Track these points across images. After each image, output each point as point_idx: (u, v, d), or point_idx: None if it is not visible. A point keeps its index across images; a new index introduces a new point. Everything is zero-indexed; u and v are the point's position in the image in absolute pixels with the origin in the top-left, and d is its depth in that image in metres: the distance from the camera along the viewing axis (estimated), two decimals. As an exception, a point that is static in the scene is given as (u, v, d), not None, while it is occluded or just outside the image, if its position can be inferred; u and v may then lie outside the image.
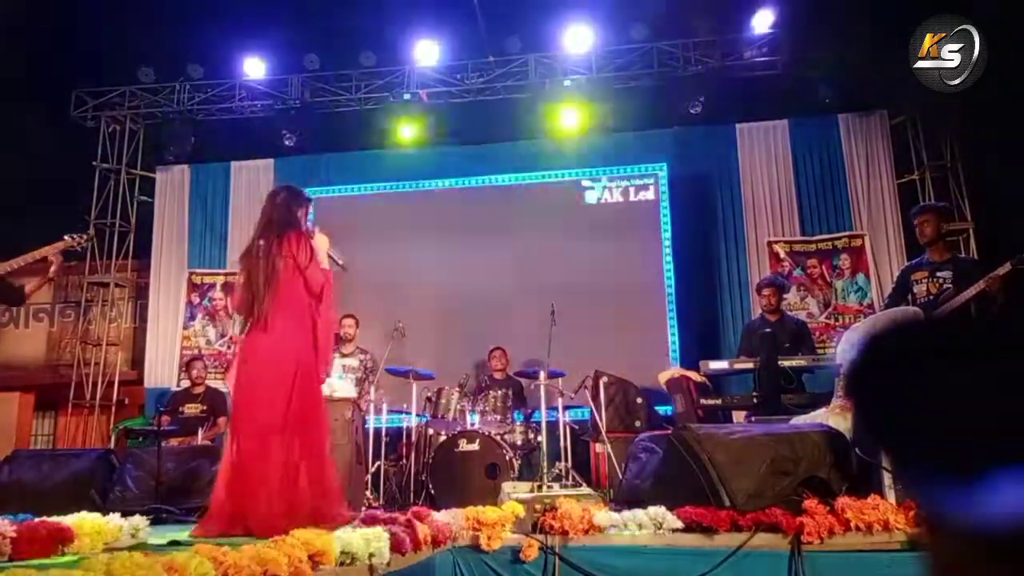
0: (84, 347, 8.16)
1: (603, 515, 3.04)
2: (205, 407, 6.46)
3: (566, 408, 5.71)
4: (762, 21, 7.36)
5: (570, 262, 7.46)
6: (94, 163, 8.18)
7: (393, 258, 7.64)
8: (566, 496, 3.25)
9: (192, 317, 7.96)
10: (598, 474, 5.50)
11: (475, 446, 5.12)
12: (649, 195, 7.49)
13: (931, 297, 4.47)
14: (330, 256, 3.62)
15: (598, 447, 5.49)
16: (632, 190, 7.55)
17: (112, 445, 6.40)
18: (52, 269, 4.20)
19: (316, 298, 3.39)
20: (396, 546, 2.41)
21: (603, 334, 7.22)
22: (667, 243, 7.34)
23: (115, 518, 2.72)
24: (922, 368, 0.48)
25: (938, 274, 4.50)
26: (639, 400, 5.66)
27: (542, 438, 5.27)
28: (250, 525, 2.89)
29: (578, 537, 2.97)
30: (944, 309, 4.32)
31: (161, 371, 7.84)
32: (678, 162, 7.60)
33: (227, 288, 7.99)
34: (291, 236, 3.33)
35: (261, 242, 3.32)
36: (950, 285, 4.42)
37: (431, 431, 5.55)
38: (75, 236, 4.43)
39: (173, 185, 8.32)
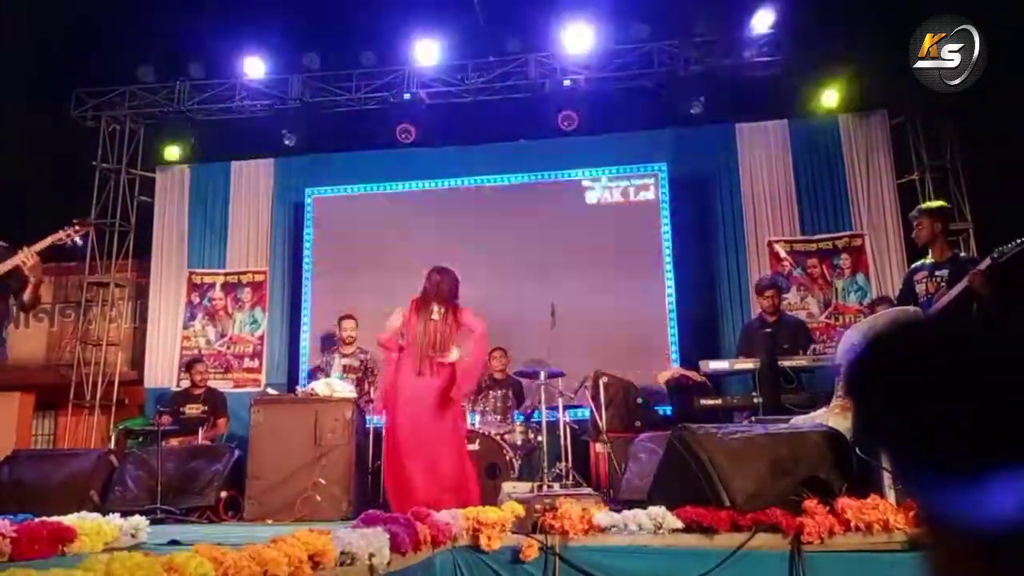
0: (84, 347, 8.15)
1: (603, 515, 3.04)
2: (206, 407, 6.46)
3: (566, 408, 5.71)
4: (762, 21, 7.35)
5: (570, 262, 7.46)
6: (94, 163, 8.17)
7: (393, 258, 7.64)
8: (566, 496, 3.25)
9: (192, 317, 7.96)
10: (598, 474, 5.49)
11: (475, 446, 5.13)
12: (649, 195, 7.48)
13: (929, 296, 4.47)
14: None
15: (598, 447, 5.48)
16: (632, 190, 7.54)
17: (112, 445, 6.40)
18: (28, 270, 4.00)
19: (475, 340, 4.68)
20: (396, 546, 2.41)
21: (603, 334, 7.22)
22: (667, 243, 7.33)
23: (115, 518, 2.72)
24: (922, 368, 0.48)
25: (936, 273, 4.49)
26: (639, 400, 5.66)
27: (542, 438, 5.27)
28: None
29: (578, 537, 2.96)
30: (934, 308, 4.32)
31: (161, 371, 7.84)
32: (678, 162, 7.59)
33: (227, 288, 7.99)
34: (462, 309, 4.60)
35: (441, 309, 4.51)
36: (946, 284, 4.42)
37: (431, 431, 5.55)
38: (68, 228, 4.27)
39: (173, 185, 8.31)
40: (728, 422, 5.01)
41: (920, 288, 4.55)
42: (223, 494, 5.08)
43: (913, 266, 4.96)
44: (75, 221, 4.40)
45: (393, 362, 4.60)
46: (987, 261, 4.07)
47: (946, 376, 0.46)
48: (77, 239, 4.41)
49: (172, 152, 8.33)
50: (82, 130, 8.18)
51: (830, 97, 7.42)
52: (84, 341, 8.17)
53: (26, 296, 4.11)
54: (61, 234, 4.30)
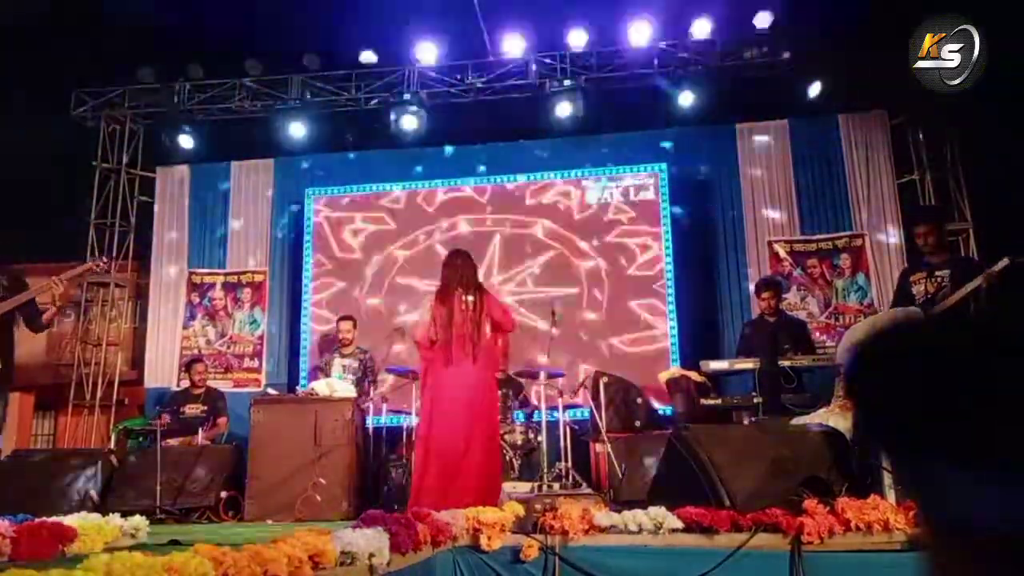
0: (84, 347, 8.15)
1: (603, 515, 3.04)
2: (205, 407, 6.46)
3: (566, 408, 5.71)
4: (762, 20, 7.35)
5: (570, 262, 7.46)
6: (94, 163, 8.17)
7: (392, 258, 7.64)
8: (566, 496, 3.25)
9: (192, 317, 7.95)
10: (598, 474, 5.50)
11: (475, 446, 5.11)
12: (649, 195, 7.48)
13: (929, 296, 4.46)
14: None
15: (598, 447, 5.49)
16: (632, 190, 7.54)
17: (112, 445, 6.40)
18: (57, 296, 4.49)
19: (502, 332, 4.68)
20: (396, 546, 2.41)
21: (603, 334, 7.23)
22: (667, 243, 7.33)
23: (115, 518, 2.72)
24: (921, 367, 0.48)
25: (936, 273, 4.48)
26: (639, 400, 5.67)
27: (542, 438, 5.27)
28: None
29: (578, 537, 2.97)
30: (941, 306, 4.31)
31: (161, 371, 7.84)
32: (678, 162, 7.59)
33: (227, 288, 7.99)
34: (488, 296, 4.53)
35: (469, 298, 4.38)
36: (948, 284, 4.41)
37: (431, 431, 5.54)
38: (98, 263, 4.84)
39: (173, 185, 8.31)
40: (728, 422, 5.02)
41: (918, 289, 4.54)
42: (223, 494, 5.08)
43: (905, 269, 4.96)
44: (104, 258, 5.12)
45: (428, 360, 4.44)
46: (1005, 261, 4.03)
47: (945, 376, 0.46)
48: (103, 267, 4.93)
49: (173, 151, 8.32)
50: (82, 130, 8.18)
51: (829, 96, 7.41)
52: (84, 341, 8.17)
53: (45, 318, 4.57)
54: (91, 265, 4.88)
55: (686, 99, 7.46)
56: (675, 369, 6.31)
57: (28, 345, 8.59)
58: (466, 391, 4.28)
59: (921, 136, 7.35)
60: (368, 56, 7.83)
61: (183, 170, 8.34)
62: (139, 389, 8.04)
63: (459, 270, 4.47)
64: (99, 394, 8.00)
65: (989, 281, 4.03)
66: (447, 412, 4.25)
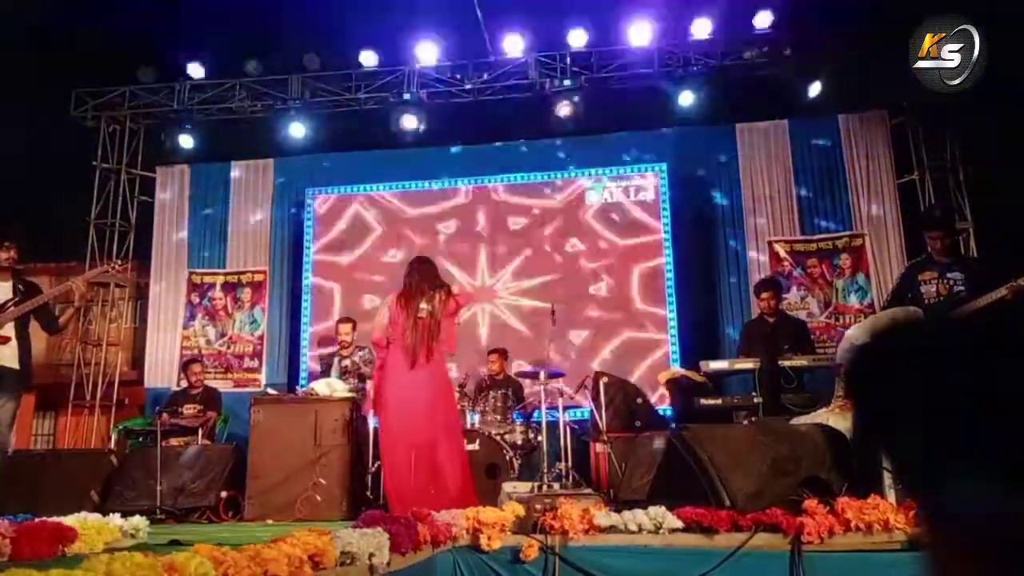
0: (84, 347, 8.15)
1: (603, 515, 3.04)
2: (202, 407, 6.46)
3: (566, 408, 5.71)
4: (762, 20, 7.35)
5: (570, 262, 7.46)
6: (94, 163, 8.17)
7: (393, 258, 7.64)
8: (566, 496, 3.25)
9: (192, 317, 7.96)
10: (598, 474, 5.49)
11: (475, 446, 5.12)
12: (649, 195, 7.48)
13: (941, 299, 4.39)
14: None
15: (598, 447, 5.48)
16: (632, 190, 7.54)
17: (112, 445, 6.40)
18: (78, 297, 4.59)
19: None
20: (396, 546, 2.41)
21: (603, 334, 7.23)
22: (667, 243, 7.34)
23: (115, 518, 2.72)
24: (922, 367, 0.48)
25: (948, 275, 4.40)
26: (639, 400, 5.66)
27: (542, 438, 5.26)
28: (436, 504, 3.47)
29: (578, 537, 2.96)
30: (968, 309, 4.22)
31: (161, 371, 7.84)
32: (678, 162, 7.60)
33: (227, 288, 7.99)
34: (451, 295, 4.49)
35: (426, 306, 4.35)
36: (962, 287, 4.34)
37: (431, 431, 5.54)
38: (114, 266, 4.95)
39: (173, 185, 8.32)
40: (728, 422, 5.01)
41: (929, 289, 4.45)
42: (223, 494, 5.07)
43: (914, 263, 4.89)
44: (119, 261, 5.13)
45: (383, 360, 4.49)
46: None
47: (946, 376, 0.46)
48: (118, 269, 5.10)
49: (173, 151, 8.33)
50: (82, 130, 8.18)
51: (829, 96, 7.41)
52: (84, 341, 8.17)
53: (62, 321, 4.67)
54: (107, 267, 4.94)
55: (686, 99, 7.47)
56: (675, 369, 6.32)
57: (28, 345, 8.61)
58: (423, 390, 4.33)
59: (921, 136, 7.35)
60: (368, 56, 7.83)
61: (183, 170, 8.34)
62: (139, 389, 8.04)
63: (419, 278, 4.48)
64: (99, 394, 8.01)
65: (1014, 292, 3.93)
66: (408, 416, 4.30)
